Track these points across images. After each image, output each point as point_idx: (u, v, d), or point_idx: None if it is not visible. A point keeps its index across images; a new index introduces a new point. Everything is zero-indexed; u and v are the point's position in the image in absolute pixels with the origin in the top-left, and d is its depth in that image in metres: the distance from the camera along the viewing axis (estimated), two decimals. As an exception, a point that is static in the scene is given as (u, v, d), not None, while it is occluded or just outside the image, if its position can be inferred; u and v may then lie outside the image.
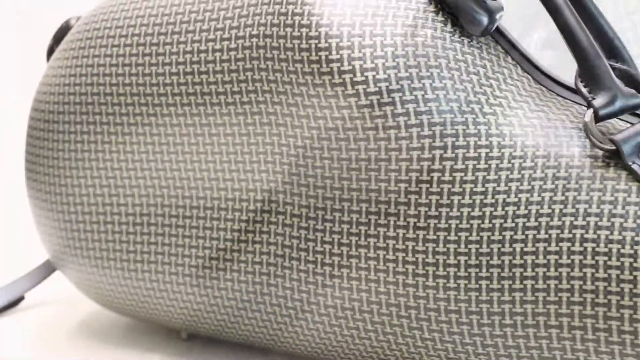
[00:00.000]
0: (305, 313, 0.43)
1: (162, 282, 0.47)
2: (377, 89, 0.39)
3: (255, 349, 0.50)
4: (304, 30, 0.40)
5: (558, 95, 0.41)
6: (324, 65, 0.40)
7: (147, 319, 0.50)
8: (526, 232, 0.38)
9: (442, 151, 0.39)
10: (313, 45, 0.40)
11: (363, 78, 0.39)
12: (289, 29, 0.41)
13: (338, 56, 0.39)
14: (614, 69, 0.43)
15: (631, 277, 0.36)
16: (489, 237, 0.38)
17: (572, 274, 0.37)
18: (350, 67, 0.39)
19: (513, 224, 0.38)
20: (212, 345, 0.51)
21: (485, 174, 0.39)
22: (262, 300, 0.44)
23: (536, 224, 0.38)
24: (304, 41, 0.40)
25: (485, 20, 0.40)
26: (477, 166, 0.39)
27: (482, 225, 0.39)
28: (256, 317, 0.45)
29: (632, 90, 0.39)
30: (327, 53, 0.40)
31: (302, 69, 0.40)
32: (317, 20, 0.40)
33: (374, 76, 0.39)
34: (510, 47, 0.42)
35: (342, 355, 0.44)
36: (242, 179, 0.44)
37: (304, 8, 0.40)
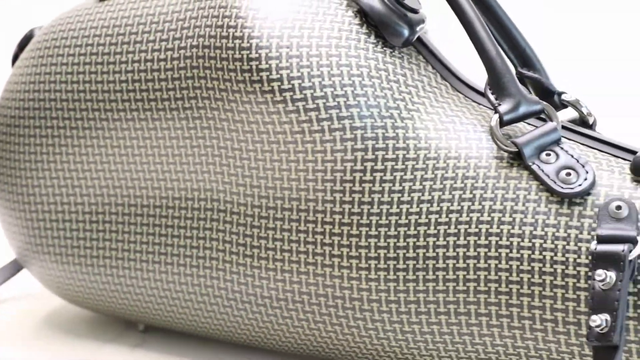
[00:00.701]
0: (245, 304, 0.46)
1: (117, 276, 0.50)
2: (302, 96, 0.42)
3: (208, 340, 0.54)
4: (237, 41, 0.43)
5: (473, 101, 0.44)
6: (255, 74, 0.43)
7: (105, 312, 0.54)
8: (438, 227, 0.41)
9: (363, 153, 0.42)
10: (245, 56, 0.43)
11: (290, 86, 0.42)
12: (224, 41, 0.44)
13: (267, 66, 0.43)
14: (526, 77, 0.46)
15: (529, 268, 0.40)
16: (405, 232, 0.42)
17: (478, 265, 0.41)
18: (278, 76, 0.43)
19: (427, 220, 0.41)
20: (166, 336, 0.55)
21: (402, 174, 0.42)
22: (205, 292, 0.48)
23: (447, 219, 0.41)
24: (237, 52, 0.43)
25: (405, 32, 0.43)
26: (395, 167, 0.42)
27: (399, 221, 0.42)
28: (201, 308, 0.48)
29: (535, 97, 0.42)
30: (257, 63, 0.43)
31: (236, 78, 0.44)
32: (249, 32, 0.43)
33: (300, 84, 0.42)
34: (430, 57, 0.45)
35: (285, 343, 0.47)
36: (186, 179, 0.47)
37: (238, 21, 0.44)
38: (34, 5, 0.91)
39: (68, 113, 0.50)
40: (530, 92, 0.47)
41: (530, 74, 0.46)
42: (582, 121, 0.46)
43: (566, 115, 0.47)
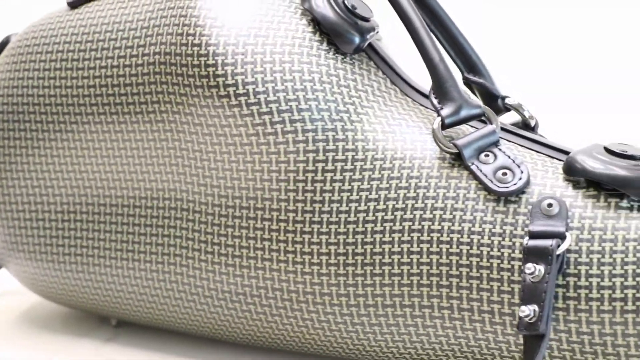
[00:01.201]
0: (207, 298, 0.49)
1: (87, 272, 0.53)
2: (256, 100, 0.45)
3: (177, 334, 0.56)
4: (195, 48, 0.46)
5: (420, 105, 0.46)
6: (212, 80, 0.45)
7: (79, 307, 0.56)
8: (384, 225, 0.44)
9: (314, 154, 0.45)
10: (203, 63, 0.46)
11: (244, 91, 0.45)
12: (183, 48, 0.46)
13: (223, 72, 0.45)
14: (472, 82, 0.49)
15: (467, 262, 0.42)
16: (354, 229, 0.44)
17: (421, 260, 0.43)
18: (234, 82, 0.45)
19: (374, 217, 0.44)
20: (139, 331, 0.57)
21: (351, 174, 0.44)
22: (170, 287, 0.50)
23: (392, 217, 0.43)
24: (195, 59, 0.46)
25: (356, 39, 0.46)
26: (345, 167, 0.44)
27: (348, 219, 0.44)
28: (167, 302, 0.51)
29: (476, 101, 0.45)
30: (214, 69, 0.45)
31: (194, 83, 0.46)
32: (206, 40, 0.46)
33: (254, 89, 0.45)
34: (381, 62, 0.47)
35: (246, 336, 0.50)
36: (152, 180, 0.49)
37: (196, 29, 0.46)
38: (33, 6, 0.93)
39: (40, 117, 0.53)
40: (476, 97, 0.50)
41: (475, 79, 0.49)
42: (525, 124, 0.48)
43: (510, 118, 0.49)
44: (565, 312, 0.41)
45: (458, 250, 0.42)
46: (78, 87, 0.51)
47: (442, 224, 0.43)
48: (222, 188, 0.47)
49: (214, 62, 0.45)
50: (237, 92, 0.45)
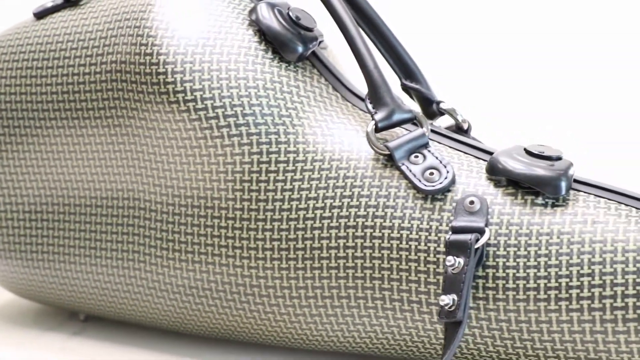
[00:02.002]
0: (163, 292, 0.52)
1: (54, 269, 0.56)
2: (204, 106, 0.48)
3: (142, 327, 0.59)
4: (147, 57, 0.49)
5: (360, 109, 0.50)
6: (162, 87, 0.48)
7: (47, 302, 0.59)
8: (322, 221, 0.47)
9: (259, 156, 0.48)
10: (154, 71, 0.49)
11: (193, 97, 0.48)
12: (137, 57, 0.49)
13: (173, 79, 0.48)
14: (409, 88, 0.52)
15: (397, 256, 0.45)
16: (295, 225, 0.47)
17: (355, 254, 0.46)
18: (182, 89, 0.48)
19: (313, 215, 0.47)
20: (106, 325, 0.59)
21: (292, 174, 0.47)
22: (129, 282, 0.53)
23: (330, 214, 0.47)
24: (147, 67, 0.49)
25: (300, 49, 0.49)
26: (287, 168, 0.48)
27: (290, 216, 0.47)
28: (127, 297, 0.54)
29: (409, 107, 0.48)
30: (164, 77, 0.48)
31: (147, 90, 0.49)
32: (157, 49, 0.49)
33: (201, 95, 0.48)
34: (324, 70, 0.50)
35: (200, 327, 0.53)
36: (112, 181, 0.53)
37: (148, 40, 0.49)
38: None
39: (7, 121, 0.56)
40: (413, 101, 0.53)
41: (412, 85, 0.52)
42: (458, 127, 0.51)
43: (446, 121, 0.52)
44: (485, 301, 0.44)
45: (389, 245, 0.45)
46: (42, 94, 0.54)
47: (375, 220, 0.46)
48: (175, 188, 0.50)
49: (164, 70, 0.48)
50: (186, 98, 0.48)
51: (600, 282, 0.43)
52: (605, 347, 0.43)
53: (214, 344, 0.55)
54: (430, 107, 0.52)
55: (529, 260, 0.44)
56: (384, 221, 0.46)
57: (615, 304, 0.42)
